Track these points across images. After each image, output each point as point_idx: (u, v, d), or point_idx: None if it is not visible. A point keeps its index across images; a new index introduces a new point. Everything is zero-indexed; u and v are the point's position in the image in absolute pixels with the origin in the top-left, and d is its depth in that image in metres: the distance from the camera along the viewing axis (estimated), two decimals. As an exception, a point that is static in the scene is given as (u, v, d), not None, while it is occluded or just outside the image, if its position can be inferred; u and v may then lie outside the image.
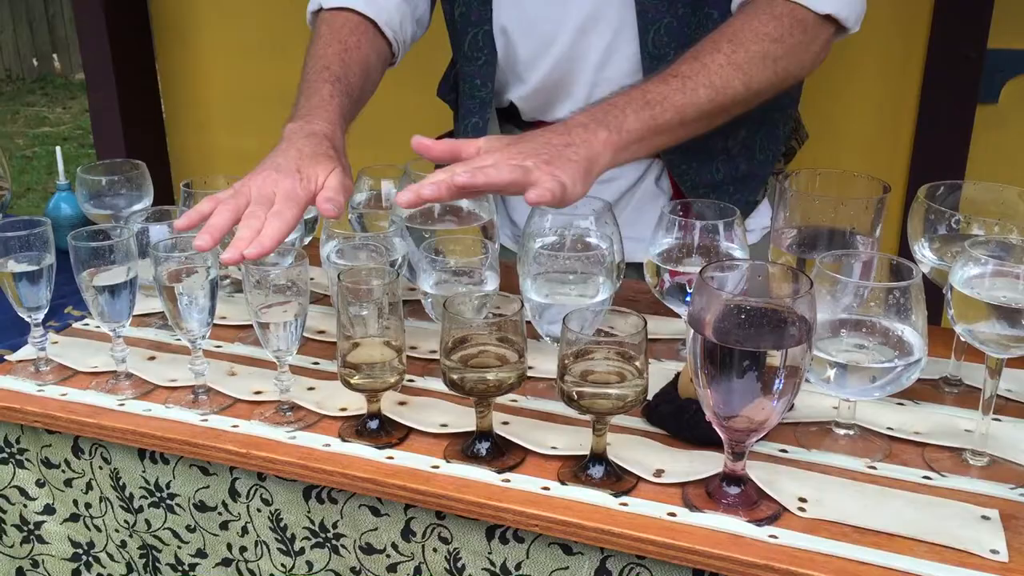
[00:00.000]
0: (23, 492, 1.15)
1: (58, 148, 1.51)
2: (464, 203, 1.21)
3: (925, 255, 1.04)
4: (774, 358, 0.81)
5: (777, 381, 0.82)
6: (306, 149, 1.12)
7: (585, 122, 1.06)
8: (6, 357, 1.18)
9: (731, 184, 1.37)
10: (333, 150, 1.14)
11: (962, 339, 0.96)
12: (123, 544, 1.14)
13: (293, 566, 1.05)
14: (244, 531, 1.06)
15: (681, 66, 1.13)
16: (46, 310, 1.14)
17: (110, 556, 1.15)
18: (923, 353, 0.90)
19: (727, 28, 1.17)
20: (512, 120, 1.45)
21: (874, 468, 0.95)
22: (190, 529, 1.09)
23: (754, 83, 1.15)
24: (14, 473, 1.15)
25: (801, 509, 0.88)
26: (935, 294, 0.95)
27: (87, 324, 1.27)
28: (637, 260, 1.17)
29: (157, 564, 1.13)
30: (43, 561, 1.18)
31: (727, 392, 0.83)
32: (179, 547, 1.11)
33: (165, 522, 1.10)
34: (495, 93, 1.41)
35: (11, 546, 1.18)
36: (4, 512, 1.17)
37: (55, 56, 6.82)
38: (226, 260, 1.00)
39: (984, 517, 0.88)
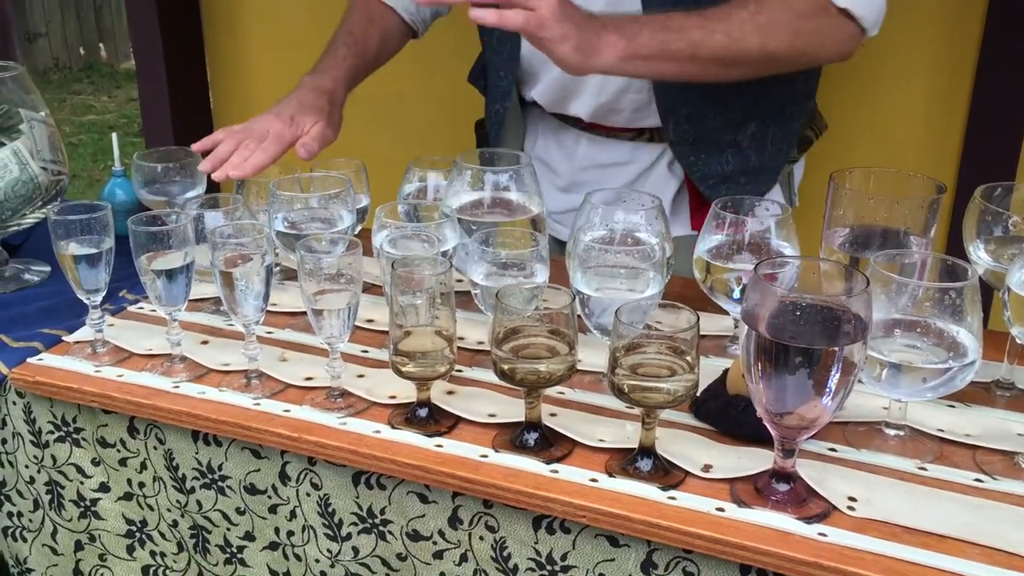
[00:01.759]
0: (80, 470, 1.18)
1: (114, 135, 1.54)
2: (513, 196, 1.22)
3: (980, 256, 1.03)
4: (829, 356, 0.81)
5: (831, 379, 0.82)
6: (305, 100, 1.35)
7: (607, 22, 1.16)
8: (63, 338, 1.21)
9: (742, 175, 1.40)
10: (329, 104, 1.36)
11: (1018, 342, 0.95)
12: (175, 524, 1.16)
13: (339, 551, 1.07)
14: (292, 515, 1.08)
15: (707, 11, 1.19)
16: (104, 293, 1.17)
17: (162, 535, 1.18)
18: (977, 355, 0.90)
19: None
20: (536, 106, 1.50)
21: (924, 469, 0.94)
22: (239, 511, 1.11)
23: (771, 46, 1.20)
24: (71, 451, 1.17)
25: (851, 508, 0.88)
26: (987, 296, 0.95)
27: (141, 307, 1.29)
28: None
29: (207, 545, 1.15)
30: (100, 536, 1.21)
31: (780, 389, 0.83)
32: (228, 529, 1.13)
33: (216, 503, 1.12)
34: (518, 86, 1.48)
35: (69, 520, 1.21)
36: (62, 488, 1.20)
37: (101, 45, 6.92)
38: (216, 176, 1.26)
39: (1037, 521, 0.87)
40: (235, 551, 1.14)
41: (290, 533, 1.10)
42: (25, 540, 1.25)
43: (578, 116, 1.44)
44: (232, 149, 1.28)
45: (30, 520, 1.24)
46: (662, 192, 1.40)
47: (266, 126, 1.30)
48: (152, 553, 1.19)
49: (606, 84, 1.38)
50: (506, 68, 1.46)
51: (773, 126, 1.40)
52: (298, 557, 1.10)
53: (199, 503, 1.13)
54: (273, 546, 1.11)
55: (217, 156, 1.28)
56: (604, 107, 1.41)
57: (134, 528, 1.19)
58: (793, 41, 1.21)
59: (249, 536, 1.12)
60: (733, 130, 1.37)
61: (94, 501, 1.19)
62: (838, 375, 0.81)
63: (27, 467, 1.21)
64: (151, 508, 1.17)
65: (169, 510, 1.15)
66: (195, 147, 1.32)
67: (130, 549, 1.20)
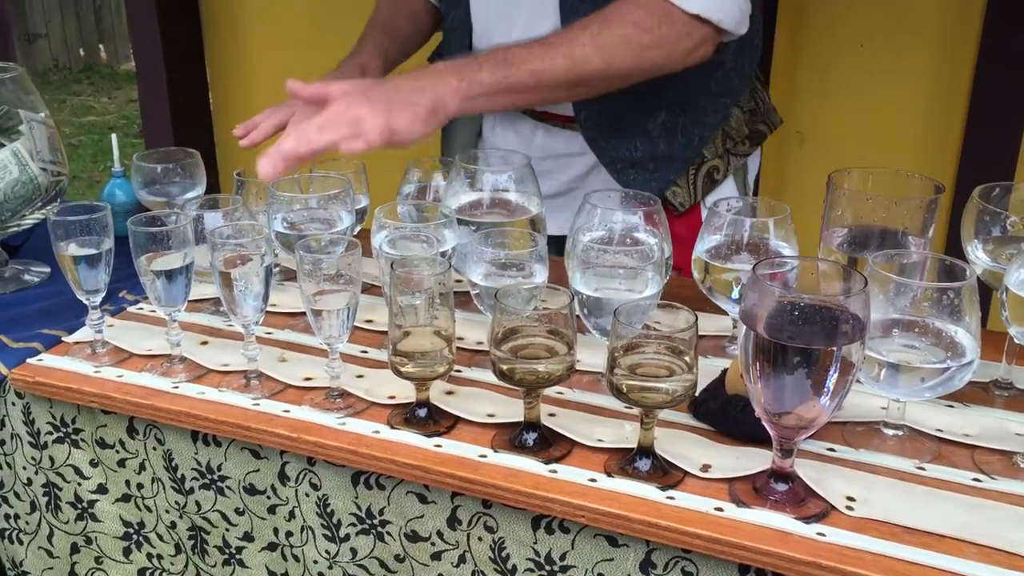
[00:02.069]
0: (78, 471, 1.18)
1: (114, 136, 1.54)
2: (512, 196, 1.22)
3: (978, 256, 1.04)
4: (827, 356, 0.81)
5: (829, 379, 0.82)
6: (339, 72, 1.40)
7: (441, 69, 1.19)
8: (63, 339, 1.21)
9: (651, 162, 1.43)
10: (361, 75, 1.39)
11: (1016, 341, 0.95)
12: (172, 525, 1.16)
13: (337, 552, 1.07)
14: (291, 515, 1.08)
15: (549, 37, 1.23)
16: (104, 293, 1.17)
17: (159, 536, 1.18)
18: (975, 355, 0.90)
19: (601, 12, 1.24)
20: None
21: (923, 469, 0.94)
22: (239, 512, 1.11)
23: (615, 64, 1.22)
24: (69, 452, 1.17)
25: (849, 508, 0.88)
26: (985, 296, 0.95)
27: (141, 308, 1.29)
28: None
29: (205, 546, 1.15)
30: (96, 538, 1.21)
31: (778, 389, 0.83)
32: (227, 529, 1.13)
33: (215, 504, 1.12)
34: None
35: (66, 522, 1.21)
36: (59, 490, 1.20)
37: (101, 46, 6.93)
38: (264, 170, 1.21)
39: (1035, 521, 0.87)
40: (234, 552, 1.14)
41: (289, 534, 1.10)
42: (21, 543, 1.25)
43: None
44: (272, 124, 1.29)
45: (27, 522, 1.24)
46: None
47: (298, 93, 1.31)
48: (149, 556, 1.19)
49: None
50: (460, 52, 1.47)
51: (684, 116, 1.42)
52: (296, 558, 1.10)
53: (198, 504, 1.13)
54: (272, 547, 1.12)
55: (251, 123, 1.31)
56: None
57: (131, 530, 1.19)
58: (640, 55, 1.23)
59: (248, 537, 1.12)
60: (643, 118, 1.40)
61: (91, 503, 1.19)
62: (836, 375, 0.81)
63: (25, 469, 1.21)
64: (149, 510, 1.17)
65: (167, 511, 1.15)
66: (238, 131, 1.32)
67: (126, 552, 1.20)
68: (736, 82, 1.45)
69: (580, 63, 1.21)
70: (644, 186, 1.41)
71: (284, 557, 1.11)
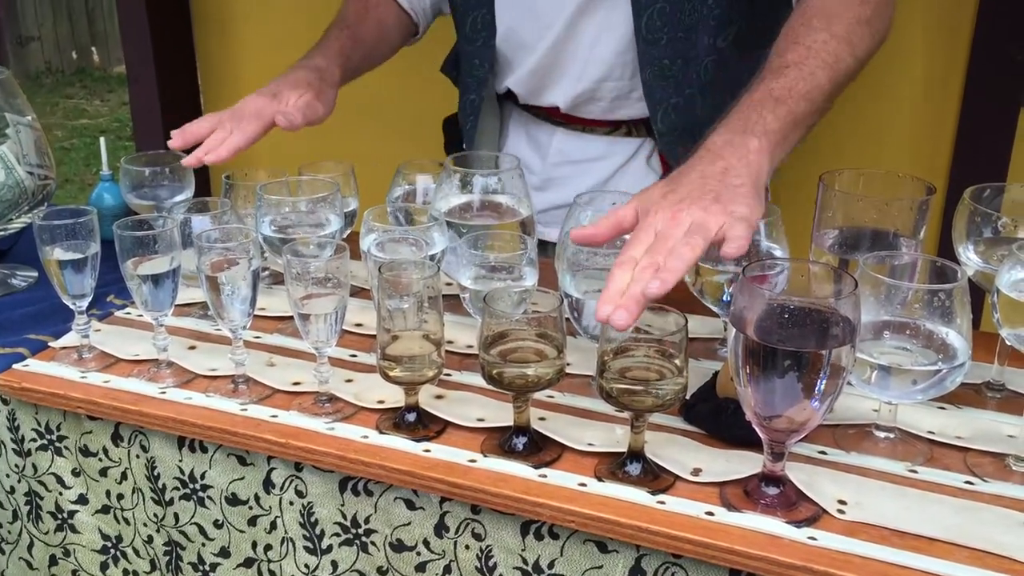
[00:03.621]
0: (59, 480, 1.17)
1: (102, 139, 1.53)
2: (502, 199, 1.22)
3: (970, 258, 1.03)
4: (817, 358, 0.80)
5: (819, 382, 0.81)
6: (291, 76, 1.33)
7: (730, 138, 1.00)
8: (49, 344, 1.20)
9: None
10: (319, 80, 1.32)
11: (1007, 343, 0.95)
12: (149, 539, 1.15)
13: (317, 566, 1.06)
14: (272, 527, 1.07)
15: (787, 54, 1.09)
16: (90, 298, 1.16)
17: (136, 551, 1.16)
18: (967, 357, 0.89)
19: (810, 6, 1.14)
20: (510, 99, 1.49)
21: (915, 472, 0.94)
22: (217, 525, 1.10)
23: (859, 50, 1.12)
24: (52, 460, 1.16)
25: (840, 511, 0.88)
26: (976, 298, 0.94)
27: (128, 313, 1.28)
28: None
29: (179, 562, 1.14)
30: (74, 551, 1.19)
31: (768, 392, 0.83)
32: (203, 544, 1.11)
33: (193, 516, 1.11)
34: (494, 75, 1.46)
35: (46, 533, 1.20)
36: (41, 498, 1.19)
37: (94, 49, 6.91)
38: (186, 163, 1.23)
39: (1027, 524, 0.87)
40: (208, 569, 1.12)
41: (268, 547, 1.08)
42: (3, 552, 1.24)
43: (555, 105, 1.42)
44: (209, 130, 1.25)
45: (8, 531, 1.23)
46: (640, 186, 1.37)
47: (247, 105, 1.27)
48: (125, 572, 1.18)
49: (587, 70, 1.37)
50: (481, 56, 1.44)
51: None
52: (273, 573, 1.09)
53: (176, 516, 1.11)
54: (248, 563, 1.10)
55: (190, 133, 1.24)
56: (583, 95, 1.40)
57: (109, 544, 1.17)
58: (870, 31, 1.14)
59: (224, 552, 1.11)
60: (712, 118, 1.33)
61: (71, 513, 1.17)
62: (826, 378, 0.81)
63: (8, 476, 1.20)
64: (127, 522, 1.15)
65: (145, 524, 1.14)
66: (175, 139, 1.27)
67: (103, 567, 1.19)
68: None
69: (834, 65, 1.09)
70: None
71: (260, 573, 1.10)
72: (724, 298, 1.08)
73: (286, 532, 1.06)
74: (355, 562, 1.04)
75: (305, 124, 1.29)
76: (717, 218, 0.91)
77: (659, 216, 0.92)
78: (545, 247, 1.42)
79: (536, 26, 1.37)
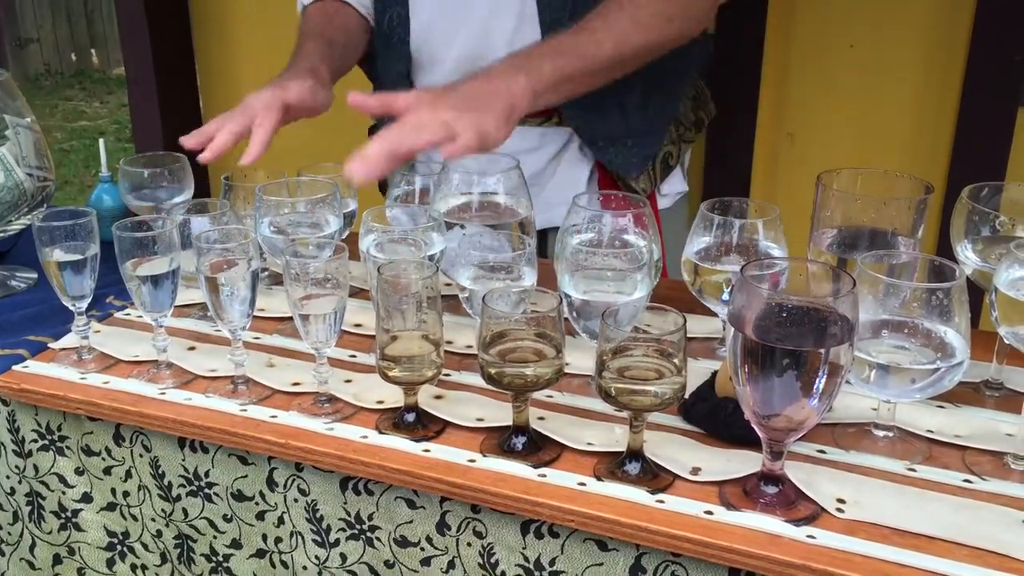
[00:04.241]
0: (62, 479, 1.17)
1: (101, 140, 1.53)
2: (501, 199, 1.22)
3: (968, 257, 1.03)
4: (815, 357, 0.80)
5: (818, 381, 0.81)
6: (286, 75, 1.33)
7: (505, 69, 1.17)
8: (49, 345, 1.20)
9: (628, 138, 1.44)
10: (313, 77, 1.32)
11: (1006, 342, 0.95)
12: (158, 534, 1.15)
13: (327, 558, 1.06)
14: (280, 521, 1.08)
15: (589, 22, 1.24)
16: (90, 299, 1.16)
17: (144, 546, 1.17)
18: (966, 355, 0.90)
19: None
20: None
21: (913, 471, 0.94)
22: (226, 519, 1.10)
23: (652, 38, 1.27)
24: (54, 460, 1.16)
25: (839, 510, 0.88)
26: (976, 296, 0.94)
27: (128, 314, 1.28)
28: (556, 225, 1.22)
29: (192, 554, 1.14)
30: (79, 549, 1.20)
31: (767, 391, 0.83)
32: (214, 537, 1.12)
33: (202, 511, 1.11)
34: (412, 73, 1.49)
35: (49, 532, 1.20)
36: (43, 499, 1.19)
37: (93, 51, 6.92)
38: (204, 159, 1.20)
39: (1026, 522, 0.87)
40: (221, 560, 1.13)
41: (278, 540, 1.09)
42: (3, 554, 1.24)
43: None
44: (212, 127, 1.23)
45: (8, 533, 1.23)
46: (575, 176, 1.46)
47: (253, 102, 1.26)
48: (133, 566, 1.18)
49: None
50: (399, 55, 1.47)
51: (654, 91, 1.44)
52: (285, 564, 1.09)
53: (185, 511, 1.12)
54: (260, 554, 1.11)
55: (205, 135, 1.23)
56: None
57: (115, 540, 1.18)
58: (668, 27, 1.27)
59: (236, 544, 1.11)
60: (619, 94, 1.39)
61: (75, 512, 1.18)
62: (825, 377, 0.81)
63: (8, 478, 1.20)
64: (135, 518, 1.16)
65: (153, 520, 1.14)
66: (190, 142, 1.24)
67: (110, 563, 1.19)
68: (696, 57, 1.48)
69: (623, 43, 1.23)
70: (626, 164, 1.43)
71: (273, 564, 1.10)
72: (723, 298, 1.08)
73: (294, 527, 1.07)
74: (362, 555, 1.04)
75: (315, 106, 1.31)
76: (464, 126, 1.08)
77: (422, 110, 1.11)
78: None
79: (449, 24, 1.41)
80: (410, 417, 1.02)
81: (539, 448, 0.97)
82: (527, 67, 1.17)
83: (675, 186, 1.54)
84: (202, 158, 1.22)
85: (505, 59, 1.20)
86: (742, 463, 0.94)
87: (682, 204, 1.58)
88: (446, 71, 1.43)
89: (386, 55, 1.49)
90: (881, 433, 0.98)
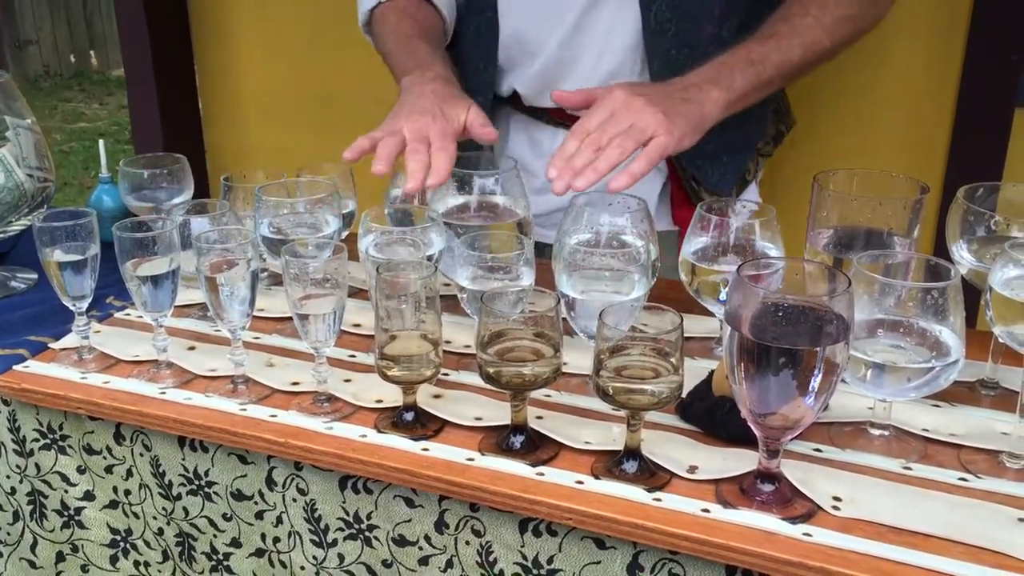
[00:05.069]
0: (64, 478, 1.17)
1: (101, 141, 1.54)
2: (499, 200, 1.22)
3: (963, 256, 1.04)
4: (811, 356, 0.81)
5: (814, 379, 0.82)
6: (439, 91, 1.23)
7: (698, 82, 1.18)
8: (49, 345, 1.21)
9: (724, 154, 1.42)
10: (459, 89, 1.27)
11: (1001, 341, 0.96)
12: (160, 532, 1.16)
13: (325, 558, 1.07)
14: (279, 521, 1.08)
15: (775, 27, 1.25)
16: (90, 299, 1.16)
17: (147, 543, 1.17)
18: (960, 354, 0.90)
19: None
20: (513, 105, 1.49)
21: (909, 469, 0.95)
22: (226, 518, 1.11)
23: (837, 40, 1.27)
24: (56, 459, 1.17)
25: (835, 508, 0.88)
26: (971, 296, 0.95)
27: (128, 314, 1.29)
28: None
29: (193, 552, 1.15)
30: (82, 546, 1.20)
31: (763, 389, 0.83)
32: (214, 536, 1.12)
33: (202, 510, 1.12)
34: (498, 77, 1.46)
35: (51, 531, 1.21)
36: (45, 497, 1.19)
37: (92, 52, 6.92)
38: (409, 190, 1.13)
39: (1020, 520, 0.87)
40: (221, 558, 1.13)
41: (276, 539, 1.09)
42: (1, 555, 1.24)
43: (560, 106, 1.43)
44: (396, 149, 1.16)
45: (8, 533, 1.23)
46: (647, 188, 1.41)
47: (423, 128, 1.17)
48: (136, 563, 1.19)
49: (598, 66, 1.38)
50: (486, 60, 1.44)
51: (754, 106, 1.39)
52: (284, 564, 1.10)
53: (185, 510, 1.12)
54: (259, 553, 1.11)
55: (387, 156, 1.15)
56: None
57: (118, 537, 1.18)
58: (853, 27, 1.28)
59: (235, 543, 1.12)
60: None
61: (78, 510, 1.18)
62: (820, 375, 0.82)
63: (8, 477, 1.20)
64: (136, 516, 1.16)
65: (155, 518, 1.15)
66: (348, 156, 1.17)
67: (113, 560, 1.20)
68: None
69: (811, 47, 1.24)
70: (721, 180, 1.42)
71: (271, 563, 1.11)
72: (720, 297, 1.09)
73: (292, 526, 1.07)
74: (360, 555, 1.05)
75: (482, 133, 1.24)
76: (656, 128, 1.11)
77: (617, 98, 1.13)
78: (543, 250, 1.42)
79: (543, 26, 1.38)
80: (409, 416, 1.02)
81: (537, 447, 0.98)
82: (720, 79, 1.18)
83: (751, 199, 1.46)
84: (406, 191, 1.14)
85: (699, 70, 1.20)
86: (739, 461, 0.94)
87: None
88: (535, 71, 1.41)
89: (472, 62, 1.46)
90: (877, 432, 0.99)
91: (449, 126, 1.18)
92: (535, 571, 0.96)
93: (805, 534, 0.86)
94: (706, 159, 1.40)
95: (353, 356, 1.17)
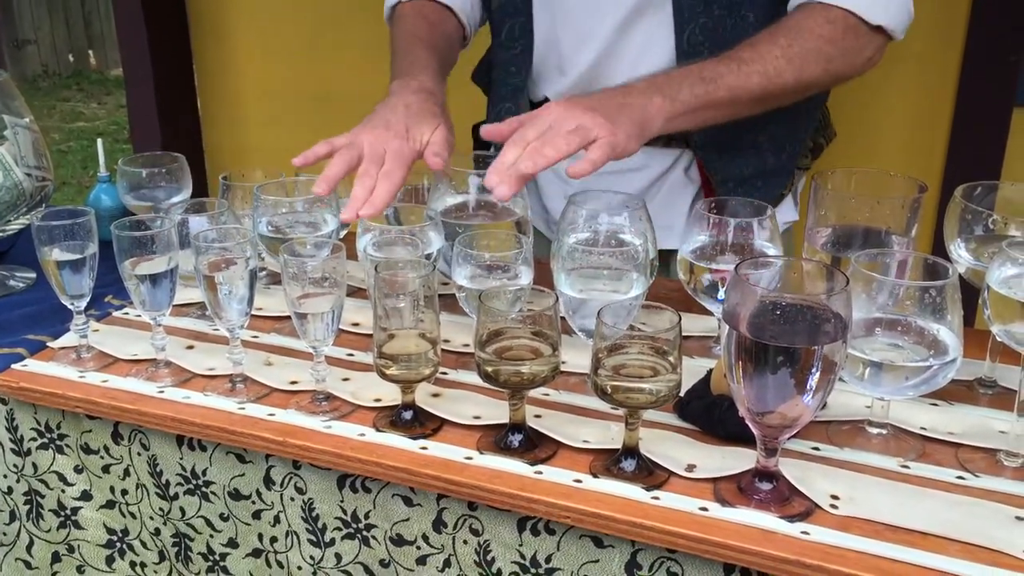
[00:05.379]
0: (61, 477, 1.17)
1: (99, 141, 1.54)
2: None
3: (961, 255, 1.04)
4: (809, 355, 0.81)
5: (811, 378, 0.82)
6: (413, 106, 1.20)
7: (643, 88, 1.15)
8: (48, 344, 1.21)
9: (759, 178, 1.39)
10: (437, 106, 1.22)
11: (998, 339, 0.96)
12: (157, 532, 1.16)
13: (322, 558, 1.07)
14: (276, 520, 1.08)
15: (740, 52, 1.20)
16: (88, 298, 1.16)
17: (143, 544, 1.17)
18: (958, 353, 0.90)
19: (785, 23, 1.22)
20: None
21: (907, 467, 0.95)
22: (223, 518, 1.11)
23: (804, 77, 1.21)
24: (53, 458, 1.17)
25: (833, 506, 0.89)
26: (970, 295, 0.95)
27: (127, 313, 1.29)
28: (667, 247, 1.20)
29: (189, 553, 1.15)
30: (78, 547, 1.20)
31: (761, 388, 0.83)
32: (211, 536, 1.12)
33: (199, 510, 1.12)
34: (532, 84, 1.44)
35: (48, 531, 1.21)
36: (42, 497, 1.19)
37: (91, 52, 6.92)
38: (345, 218, 1.11)
39: (1018, 518, 0.87)
40: (218, 559, 1.13)
41: (273, 539, 1.09)
42: (-4, 555, 1.25)
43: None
44: (344, 170, 1.14)
45: (4, 534, 1.23)
46: (680, 199, 1.40)
47: (380, 144, 1.15)
48: (132, 564, 1.19)
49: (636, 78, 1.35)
50: (518, 65, 1.41)
51: (785, 127, 1.39)
52: (280, 564, 1.10)
53: (182, 510, 1.12)
54: (256, 553, 1.11)
55: (331, 177, 1.13)
56: None
57: (115, 538, 1.18)
58: (826, 67, 1.21)
59: (232, 543, 1.12)
60: (755, 131, 1.35)
61: (75, 510, 1.18)
62: (818, 374, 0.82)
63: (5, 477, 1.20)
64: (133, 516, 1.16)
65: (152, 518, 1.15)
66: (296, 162, 1.16)
67: (109, 560, 1.19)
68: (825, 92, 1.44)
69: (774, 78, 1.19)
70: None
71: (268, 563, 1.11)
72: (719, 296, 1.09)
73: (289, 526, 1.07)
74: (358, 554, 1.05)
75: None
76: (599, 131, 1.07)
77: (554, 110, 1.09)
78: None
79: (576, 36, 1.36)
80: (407, 415, 1.02)
81: (535, 445, 0.98)
82: (666, 89, 1.14)
83: (786, 215, 1.45)
84: (343, 217, 1.12)
85: (645, 78, 1.18)
86: (737, 460, 0.94)
87: (787, 232, 1.47)
88: (568, 84, 1.39)
89: (505, 66, 1.44)
90: (875, 430, 0.99)
91: (408, 146, 1.16)
92: (533, 570, 0.96)
93: (803, 532, 0.86)
94: (738, 182, 1.38)
95: (351, 355, 1.17)
